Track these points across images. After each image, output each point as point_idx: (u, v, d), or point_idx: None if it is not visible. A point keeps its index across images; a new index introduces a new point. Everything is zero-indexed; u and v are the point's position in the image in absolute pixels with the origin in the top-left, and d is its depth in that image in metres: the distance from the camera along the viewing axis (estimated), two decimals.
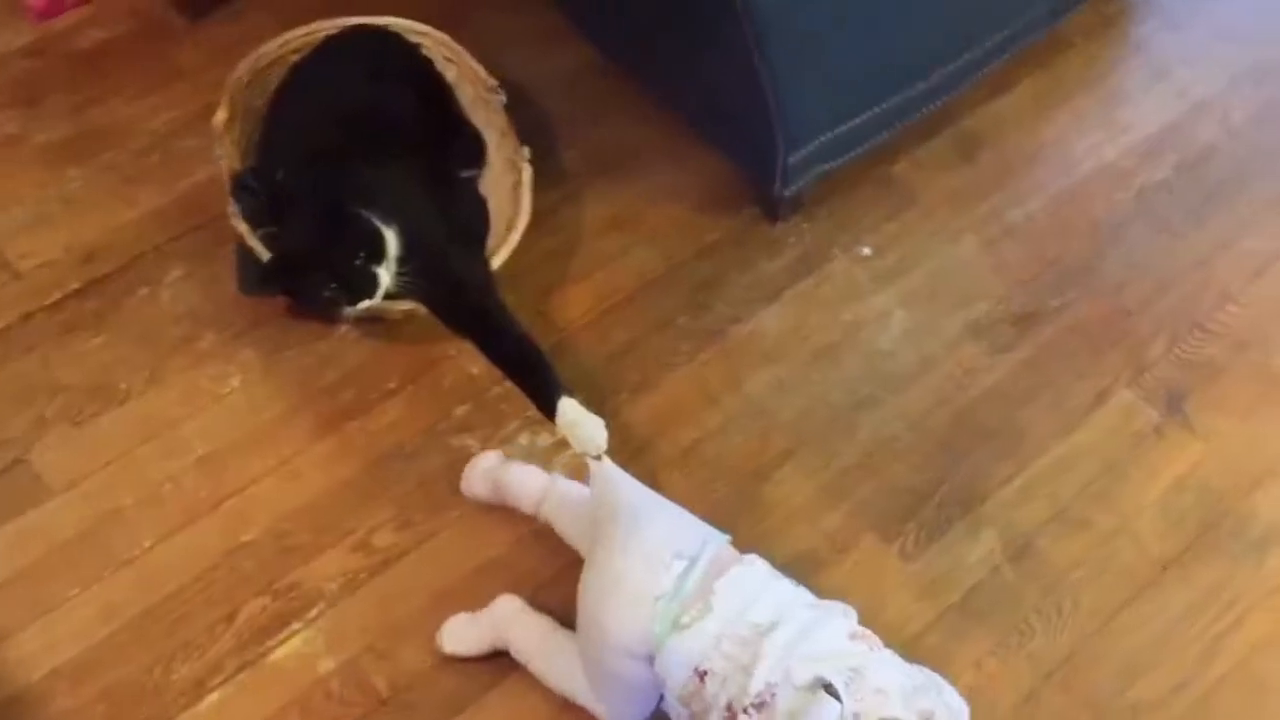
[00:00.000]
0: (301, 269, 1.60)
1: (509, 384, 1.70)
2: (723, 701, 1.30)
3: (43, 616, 1.53)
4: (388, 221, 1.61)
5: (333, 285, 1.58)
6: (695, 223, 1.91)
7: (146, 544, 1.58)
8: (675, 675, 1.33)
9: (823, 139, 1.80)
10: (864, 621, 1.39)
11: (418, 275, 1.61)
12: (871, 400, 1.75)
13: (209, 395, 1.71)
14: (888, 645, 1.35)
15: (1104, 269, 1.89)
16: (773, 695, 1.26)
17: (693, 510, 1.48)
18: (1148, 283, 1.88)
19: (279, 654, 1.51)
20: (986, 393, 1.76)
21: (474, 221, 1.80)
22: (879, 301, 1.84)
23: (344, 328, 1.69)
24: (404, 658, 1.52)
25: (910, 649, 1.43)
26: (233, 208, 1.68)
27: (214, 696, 1.48)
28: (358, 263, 1.57)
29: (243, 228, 1.67)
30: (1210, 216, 1.95)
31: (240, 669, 1.50)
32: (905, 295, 1.85)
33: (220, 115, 1.76)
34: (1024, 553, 1.63)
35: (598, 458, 1.47)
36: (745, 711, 1.27)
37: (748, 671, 1.28)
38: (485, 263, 1.70)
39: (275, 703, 1.48)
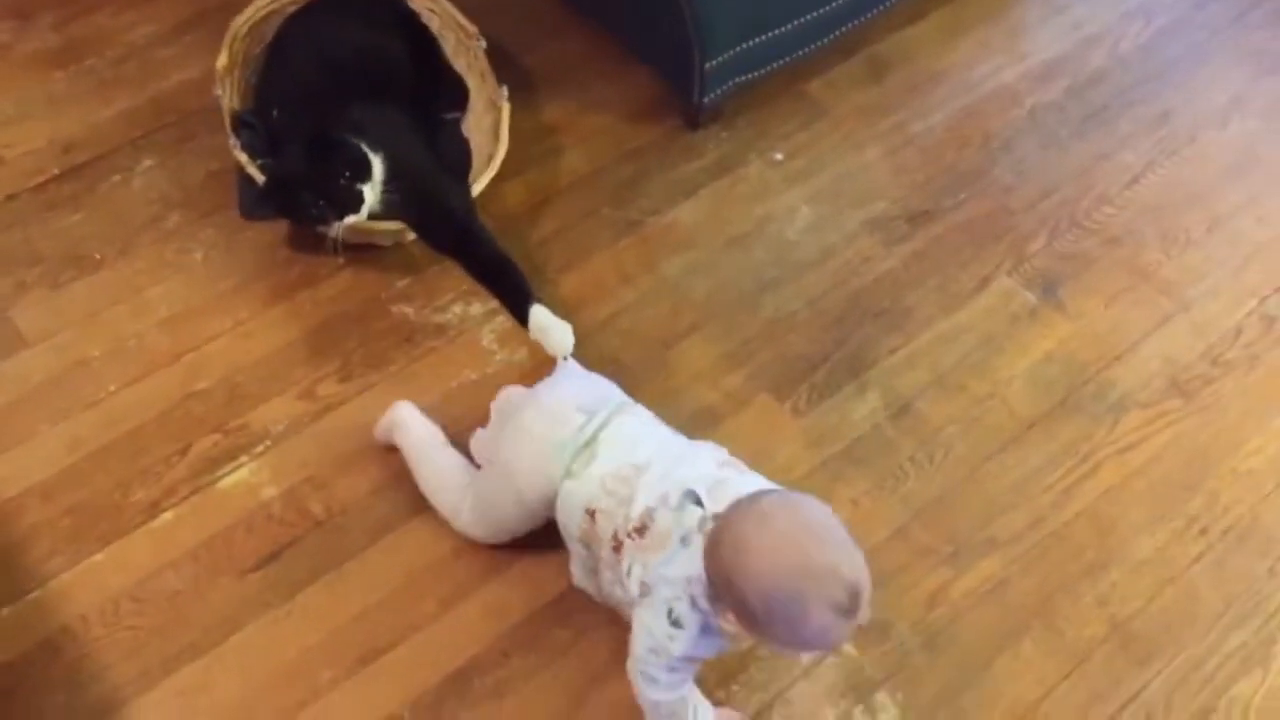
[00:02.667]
0: (293, 190, 1.75)
1: (447, 261, 1.89)
2: (609, 533, 1.43)
3: (16, 447, 1.70)
4: (374, 149, 1.76)
5: (320, 202, 1.73)
6: (622, 131, 2.10)
7: (111, 389, 1.76)
8: (572, 518, 1.48)
9: (738, 49, 1.99)
10: (754, 466, 1.54)
11: (403, 196, 1.77)
12: (775, 282, 1.93)
13: (174, 266, 1.89)
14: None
15: (994, 175, 2.07)
16: (652, 519, 1.39)
17: (604, 373, 1.65)
18: (1033, 188, 2.06)
19: (227, 482, 1.69)
20: (879, 278, 1.94)
21: (457, 158, 1.96)
22: (788, 199, 2.03)
23: (340, 259, 1.86)
24: (340, 487, 1.69)
25: (793, 487, 1.58)
26: (233, 141, 1.85)
27: (168, 515, 1.66)
28: (343, 181, 1.73)
29: (243, 158, 1.84)
30: (1094, 132, 2.14)
31: (192, 493, 1.68)
32: (812, 194, 2.04)
33: (221, 60, 1.93)
34: (904, 412, 1.80)
35: (565, 359, 1.64)
36: (629, 536, 1.40)
37: (628, 502, 1.41)
38: (467, 191, 1.86)
39: (222, 522, 1.65)
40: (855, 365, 1.85)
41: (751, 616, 1.25)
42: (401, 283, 1.89)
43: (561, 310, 1.78)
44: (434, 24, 2.08)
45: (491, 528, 1.60)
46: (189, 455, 1.71)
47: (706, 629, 1.35)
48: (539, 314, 1.66)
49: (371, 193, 1.75)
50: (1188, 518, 1.72)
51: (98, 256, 1.89)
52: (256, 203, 1.82)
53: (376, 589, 1.61)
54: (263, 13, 2.01)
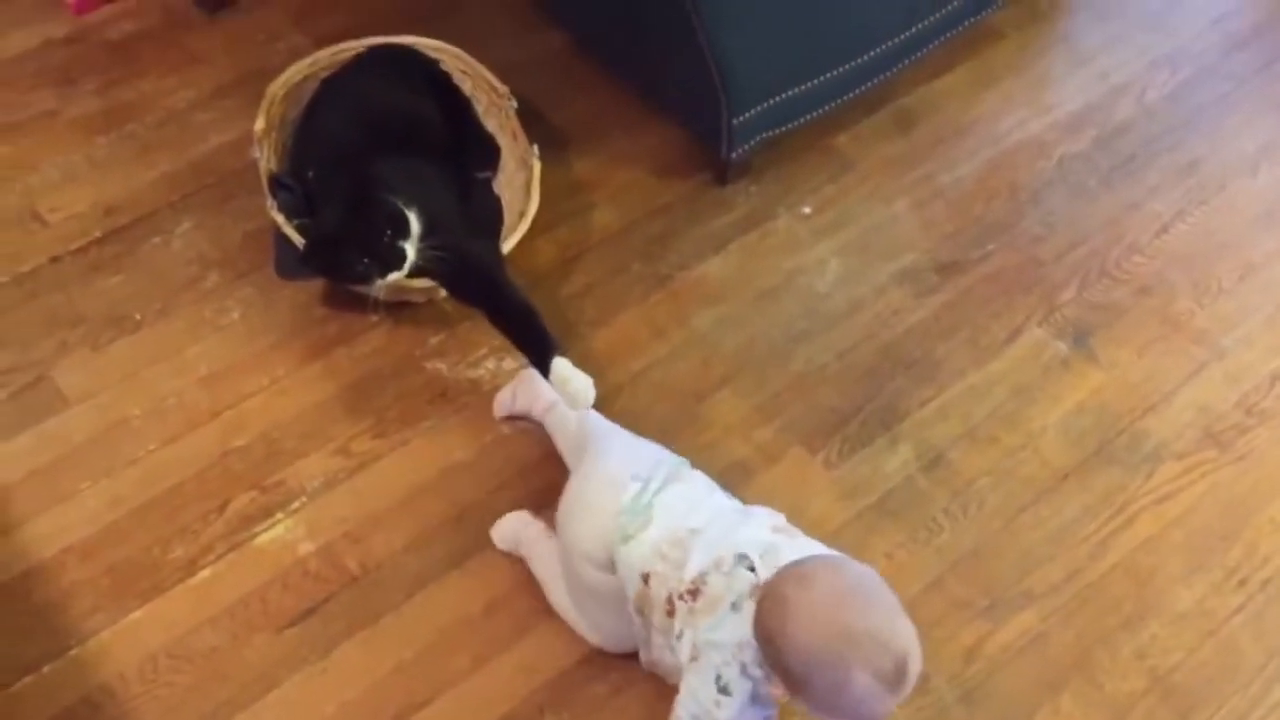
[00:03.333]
0: (336, 249, 1.78)
1: (479, 317, 1.91)
2: (663, 596, 1.43)
3: (58, 505, 1.72)
4: (408, 205, 1.79)
5: (365, 261, 1.75)
6: (651, 186, 2.12)
7: (151, 447, 1.78)
8: (629, 584, 1.48)
9: (766, 105, 2.01)
10: (788, 518, 1.56)
11: (438, 251, 1.79)
12: (805, 335, 1.94)
13: (212, 326, 1.92)
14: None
15: (1023, 226, 2.08)
16: (705, 582, 1.39)
17: (636, 427, 1.68)
18: (1062, 238, 2.07)
19: (264, 539, 1.70)
20: (910, 329, 1.95)
21: (489, 216, 1.99)
22: (817, 252, 2.04)
23: (374, 317, 1.90)
24: (375, 543, 1.70)
25: (828, 541, 1.58)
26: (271, 203, 1.89)
27: (205, 572, 1.67)
28: (385, 239, 1.75)
29: (280, 219, 1.87)
30: (1122, 182, 2.14)
31: (229, 550, 1.69)
32: (841, 247, 2.05)
33: (259, 123, 1.98)
34: (937, 464, 1.80)
35: (586, 410, 1.65)
36: (681, 598, 1.40)
37: (681, 565, 1.42)
38: (496, 246, 1.89)
39: (259, 578, 1.67)
40: (887, 417, 1.85)
41: (793, 680, 1.25)
42: (435, 339, 1.92)
43: (593, 365, 1.79)
44: (466, 85, 2.12)
45: (596, 618, 1.58)
46: (226, 512, 1.72)
47: (755, 697, 1.34)
48: (560, 365, 1.67)
49: (412, 248, 1.77)
50: (1226, 569, 1.71)
51: (138, 317, 1.92)
52: (297, 263, 1.84)
53: (412, 644, 1.62)
54: (299, 77, 2.06)
